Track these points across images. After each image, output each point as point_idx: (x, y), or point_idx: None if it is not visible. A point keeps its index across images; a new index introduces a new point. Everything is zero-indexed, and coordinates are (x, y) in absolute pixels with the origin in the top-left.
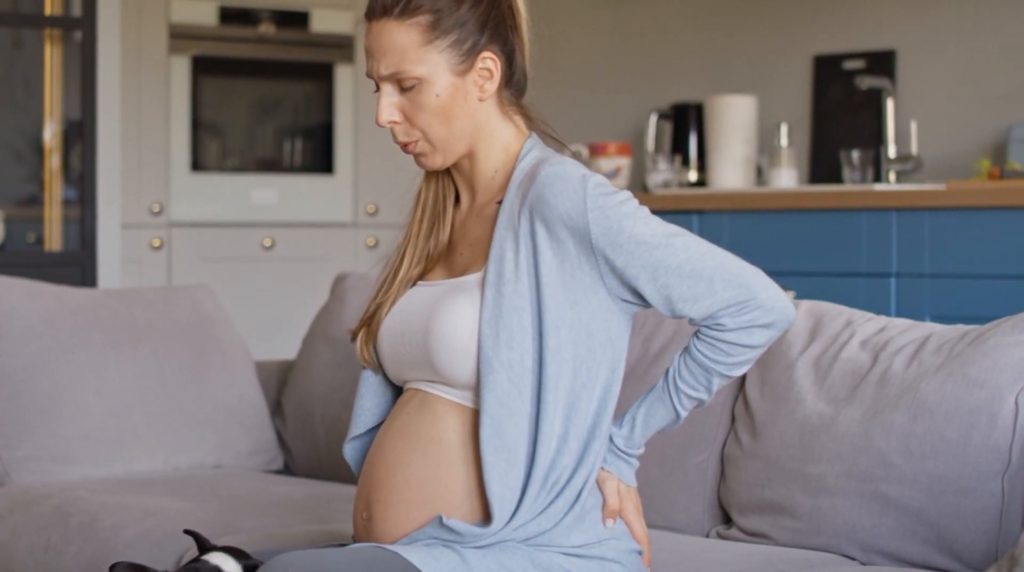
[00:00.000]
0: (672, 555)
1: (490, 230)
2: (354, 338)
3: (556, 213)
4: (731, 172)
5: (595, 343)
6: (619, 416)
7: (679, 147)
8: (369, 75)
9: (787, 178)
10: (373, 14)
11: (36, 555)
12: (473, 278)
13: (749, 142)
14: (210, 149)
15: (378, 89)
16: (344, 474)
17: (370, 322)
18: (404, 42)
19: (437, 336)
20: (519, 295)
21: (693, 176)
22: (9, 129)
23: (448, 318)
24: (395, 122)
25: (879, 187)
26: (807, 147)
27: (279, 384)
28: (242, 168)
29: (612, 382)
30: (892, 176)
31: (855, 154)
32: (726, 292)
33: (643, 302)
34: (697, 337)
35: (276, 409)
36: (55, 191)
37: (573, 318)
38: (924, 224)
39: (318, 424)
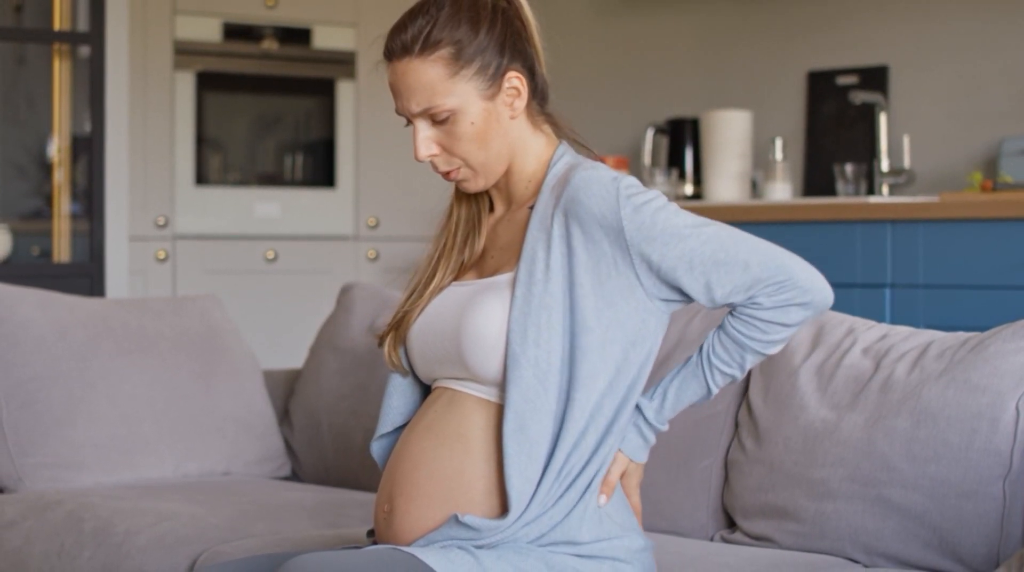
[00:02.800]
0: (678, 558)
1: (521, 233)
2: (381, 343)
3: (590, 213)
4: (727, 185)
5: (629, 344)
6: (649, 389)
7: (675, 161)
8: (399, 113)
9: (782, 191)
10: (393, 54)
11: (50, 560)
12: (504, 278)
13: (744, 156)
14: (214, 163)
15: (409, 124)
16: (352, 480)
17: (398, 326)
18: (431, 78)
19: (468, 332)
20: (549, 295)
21: (689, 189)
22: (12, 145)
23: (479, 315)
24: (434, 155)
25: (873, 199)
26: (801, 161)
27: (286, 393)
28: (245, 182)
29: (638, 380)
30: (885, 189)
31: (848, 168)
32: (763, 273)
33: (682, 298)
34: (732, 315)
35: (283, 417)
36: (63, 204)
37: (610, 318)
38: (918, 236)
39: (325, 432)
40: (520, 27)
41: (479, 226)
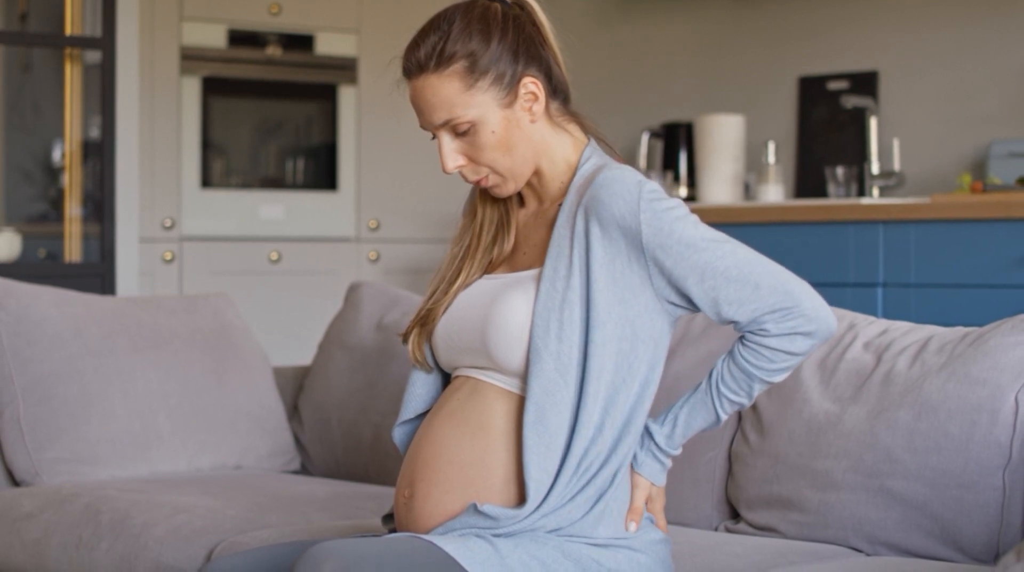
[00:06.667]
0: (688, 547)
1: (550, 231)
2: (406, 339)
3: (610, 213)
4: (720, 188)
5: (638, 340)
6: (659, 415)
7: (670, 164)
8: (423, 127)
9: (774, 194)
10: (410, 72)
11: (68, 552)
12: (532, 273)
13: (737, 160)
14: (219, 167)
15: (435, 138)
16: (361, 475)
17: (424, 323)
18: (448, 92)
19: (494, 323)
20: (571, 290)
21: (683, 192)
22: (18, 149)
23: (505, 307)
24: (461, 166)
25: (866, 201)
26: (793, 164)
27: (296, 389)
28: (249, 185)
29: (650, 380)
30: (875, 192)
31: (840, 171)
32: (771, 297)
33: (689, 306)
34: (741, 343)
35: (293, 413)
36: (72, 207)
37: (620, 314)
38: (910, 236)
39: (335, 428)
40: (533, 31)
41: (507, 226)
